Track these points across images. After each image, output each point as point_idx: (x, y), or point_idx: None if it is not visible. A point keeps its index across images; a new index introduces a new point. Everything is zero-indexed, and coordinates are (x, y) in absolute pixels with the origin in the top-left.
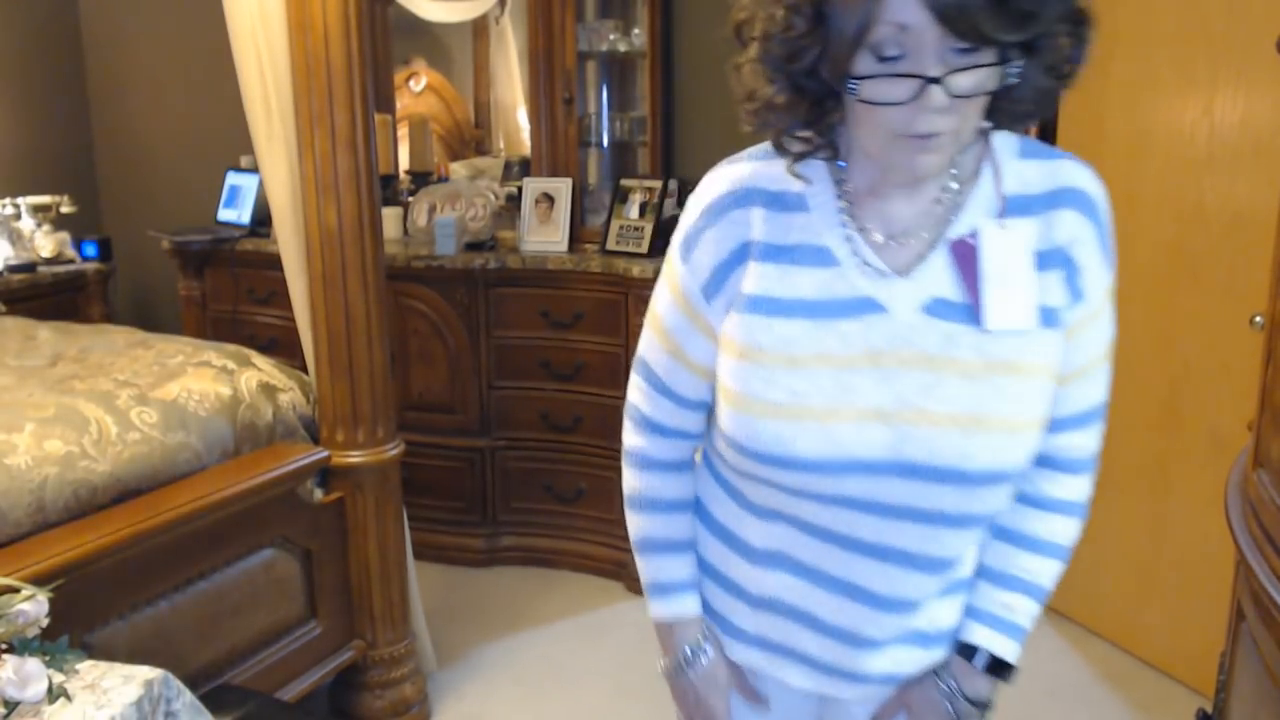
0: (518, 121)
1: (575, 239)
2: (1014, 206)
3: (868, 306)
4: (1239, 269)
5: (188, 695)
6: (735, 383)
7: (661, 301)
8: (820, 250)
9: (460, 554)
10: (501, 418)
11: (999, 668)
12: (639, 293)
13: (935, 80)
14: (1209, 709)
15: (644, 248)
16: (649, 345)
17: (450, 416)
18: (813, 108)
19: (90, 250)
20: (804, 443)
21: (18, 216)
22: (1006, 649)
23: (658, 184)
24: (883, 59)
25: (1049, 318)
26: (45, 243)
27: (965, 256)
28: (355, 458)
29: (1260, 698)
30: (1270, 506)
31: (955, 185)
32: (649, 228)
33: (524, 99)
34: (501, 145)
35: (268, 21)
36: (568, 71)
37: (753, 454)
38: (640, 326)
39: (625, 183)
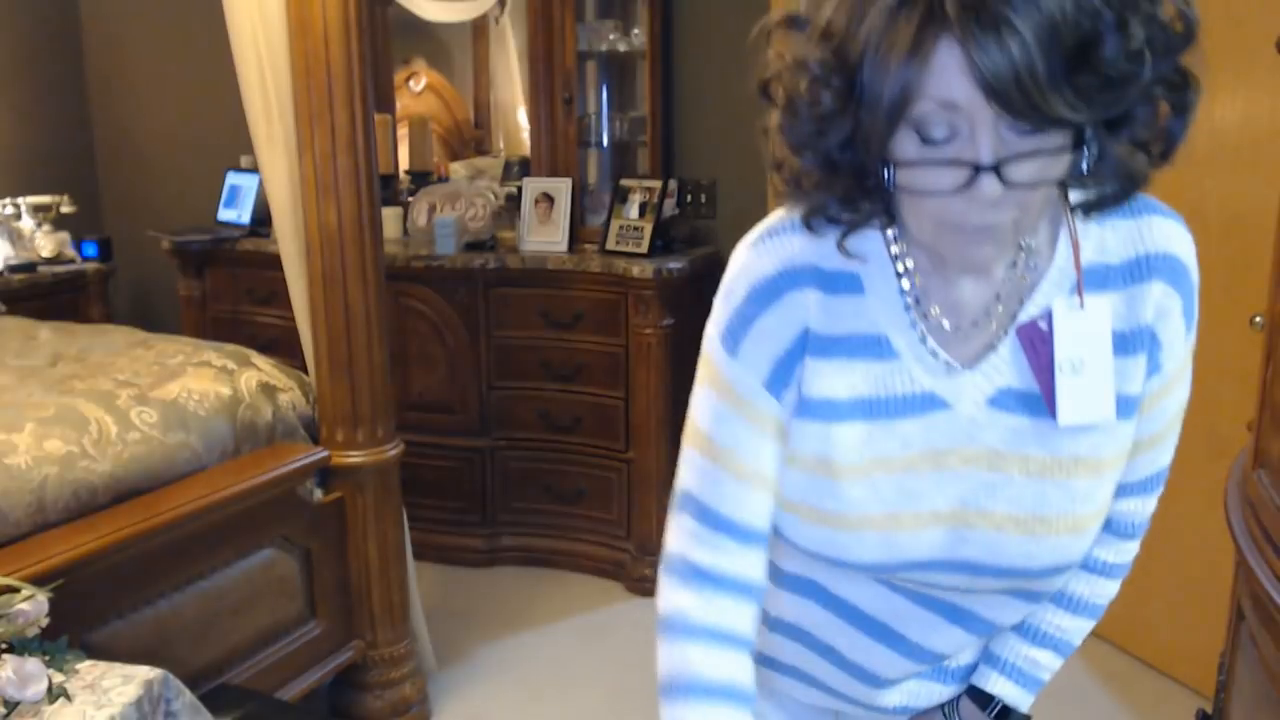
0: (518, 121)
1: (575, 239)
2: (1092, 279)
3: (930, 404)
4: (1239, 269)
5: (187, 695)
6: (786, 489)
7: (707, 414)
8: (877, 340)
9: (460, 554)
10: (501, 418)
11: (1009, 713)
12: (638, 293)
13: (987, 169)
14: (1209, 709)
15: (644, 248)
16: (697, 473)
17: (450, 416)
18: (852, 181)
19: (90, 250)
20: (858, 549)
21: (18, 216)
22: (1022, 700)
23: (657, 184)
24: (927, 140)
25: (1127, 407)
26: (45, 243)
27: (1035, 342)
28: (355, 458)
29: (1260, 698)
30: (1270, 506)
31: (1029, 260)
32: (649, 228)
33: (524, 99)
34: (501, 145)
35: (268, 21)
36: (567, 71)
37: (798, 548)
38: (640, 327)
39: (625, 183)
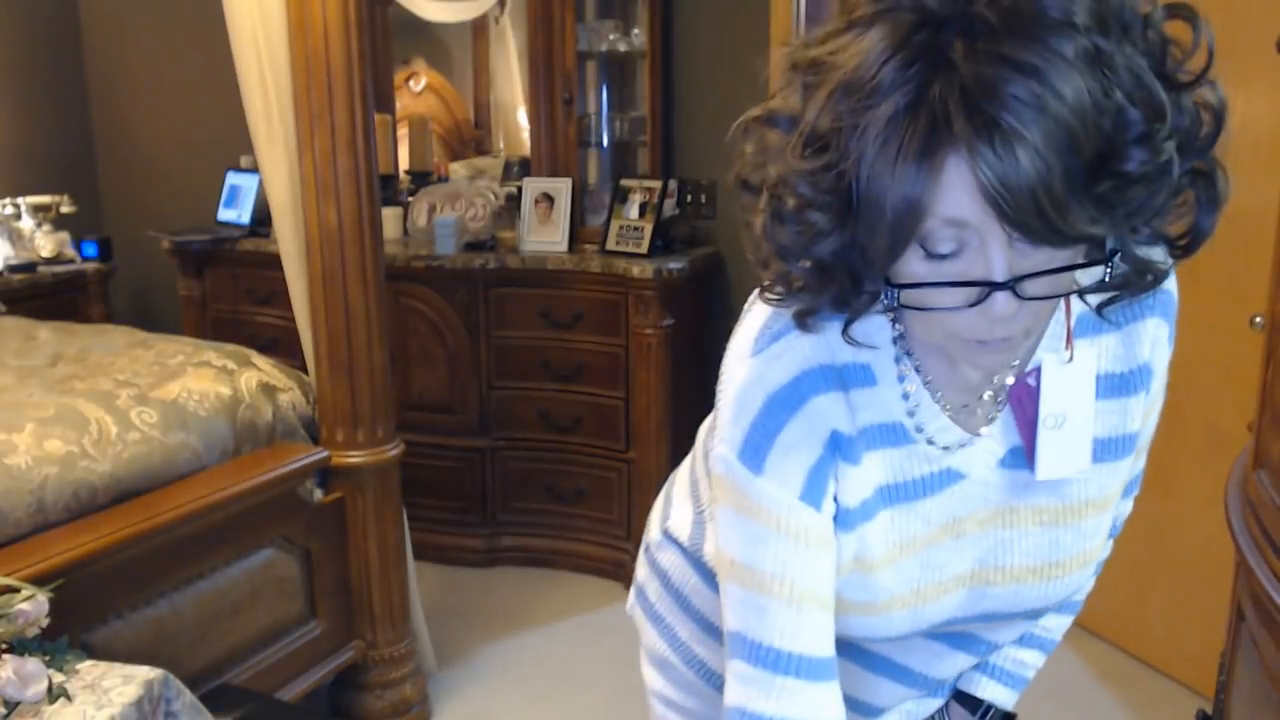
0: (518, 121)
1: (575, 239)
2: (1090, 324)
3: (947, 479)
4: (1239, 269)
5: (188, 695)
6: None
7: (739, 542)
8: (893, 428)
9: (460, 554)
10: (501, 418)
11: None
12: (638, 293)
13: (1001, 286)
14: (1209, 710)
15: (643, 248)
16: (741, 609)
17: (450, 416)
18: (848, 285)
19: (90, 250)
20: (885, 627)
21: (18, 216)
22: (1009, 700)
23: (657, 184)
24: (932, 255)
25: (1129, 445)
26: (45, 243)
27: (1024, 399)
28: (355, 458)
29: (1260, 699)
30: (1270, 507)
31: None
32: (648, 228)
33: (524, 99)
34: (501, 145)
35: (268, 21)
36: (568, 71)
37: None
38: (640, 327)
39: (625, 183)
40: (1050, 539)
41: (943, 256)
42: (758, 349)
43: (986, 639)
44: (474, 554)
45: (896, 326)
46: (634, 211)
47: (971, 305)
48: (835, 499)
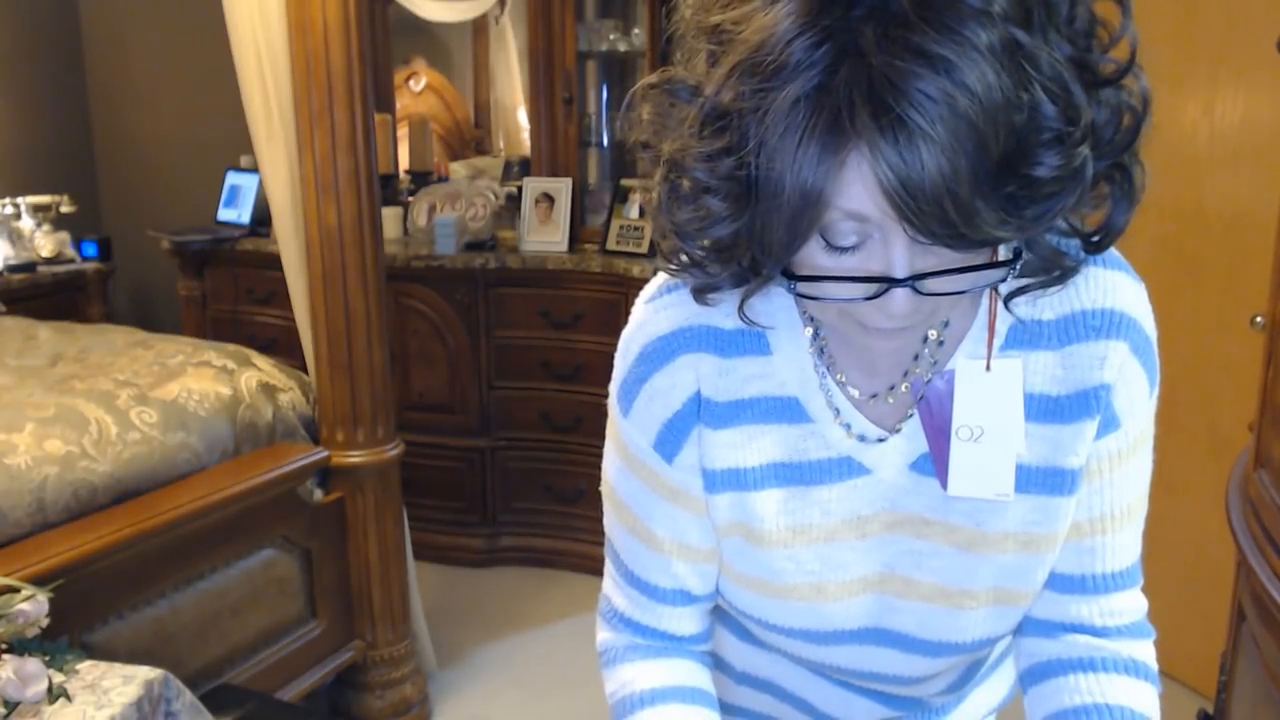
0: (518, 121)
1: (575, 239)
2: (1022, 337)
3: (848, 469)
4: (1239, 269)
5: (188, 695)
6: (723, 553)
7: (612, 466)
8: (787, 403)
9: (460, 554)
10: (501, 418)
11: None
12: (639, 292)
13: (900, 283)
14: (1210, 709)
15: (644, 248)
16: (609, 522)
17: (450, 416)
18: (748, 263)
19: (90, 250)
20: (785, 616)
21: (18, 216)
22: None
23: None
24: (833, 246)
25: (1068, 482)
26: (45, 242)
27: (932, 404)
28: (355, 458)
29: (1261, 698)
30: (1271, 507)
31: (948, 323)
32: (649, 228)
33: (524, 99)
34: (501, 145)
35: (268, 21)
36: (568, 71)
37: (734, 609)
38: None
39: (625, 182)
40: (964, 565)
41: (843, 249)
42: (654, 295)
43: (935, 678)
44: (474, 554)
45: (801, 306)
46: (634, 211)
47: (869, 299)
48: (703, 464)
